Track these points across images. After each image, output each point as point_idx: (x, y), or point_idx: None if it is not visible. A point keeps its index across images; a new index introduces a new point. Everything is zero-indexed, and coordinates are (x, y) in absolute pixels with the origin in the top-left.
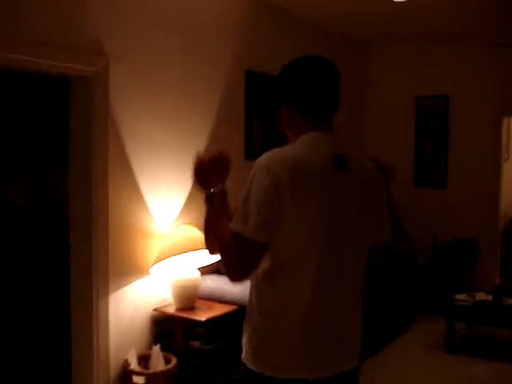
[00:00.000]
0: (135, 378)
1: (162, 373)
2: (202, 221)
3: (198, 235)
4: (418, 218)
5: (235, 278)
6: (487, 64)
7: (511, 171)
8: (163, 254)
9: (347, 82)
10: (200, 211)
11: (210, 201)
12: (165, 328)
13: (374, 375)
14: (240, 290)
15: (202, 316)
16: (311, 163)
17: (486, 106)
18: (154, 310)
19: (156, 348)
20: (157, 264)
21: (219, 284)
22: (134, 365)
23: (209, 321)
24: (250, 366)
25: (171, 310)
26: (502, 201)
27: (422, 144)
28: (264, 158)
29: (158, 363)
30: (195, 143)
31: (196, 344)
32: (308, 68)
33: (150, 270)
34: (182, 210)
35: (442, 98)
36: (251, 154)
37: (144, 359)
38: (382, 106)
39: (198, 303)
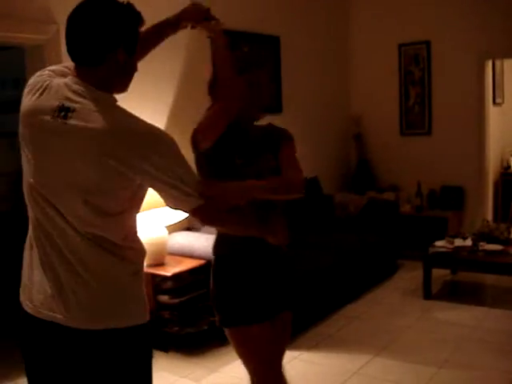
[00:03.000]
0: None
1: None
2: None
3: None
4: (405, 167)
5: None
6: (469, 7)
7: (508, 115)
8: None
9: (328, 31)
10: None
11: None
12: None
13: (348, 321)
14: (208, 245)
15: (169, 271)
16: (33, 111)
17: (469, 50)
18: None
19: None
20: None
21: (188, 240)
22: None
23: (176, 275)
24: None
25: None
26: (499, 145)
27: (406, 92)
28: None
29: None
30: (160, 104)
31: (164, 298)
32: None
33: None
34: None
35: (424, 44)
36: None
37: None
38: (366, 55)
39: (168, 259)
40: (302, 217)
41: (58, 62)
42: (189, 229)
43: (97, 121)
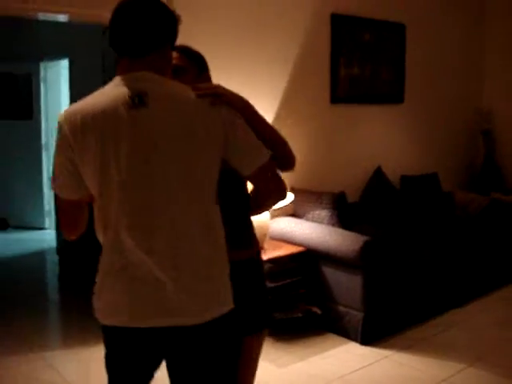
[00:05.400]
0: None
1: None
2: None
3: None
4: None
5: (64, 234)
6: None
7: None
8: None
9: (459, 16)
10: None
11: None
12: None
13: (448, 327)
14: (310, 232)
15: (267, 255)
16: (94, 110)
17: None
18: None
19: None
20: None
21: (290, 226)
22: None
23: (273, 260)
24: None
25: None
26: None
27: None
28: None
29: None
30: (273, 88)
31: None
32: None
33: None
34: None
35: None
36: (337, 98)
37: None
38: (505, 40)
39: (269, 243)
40: (418, 213)
41: None
42: (293, 215)
43: (181, 97)
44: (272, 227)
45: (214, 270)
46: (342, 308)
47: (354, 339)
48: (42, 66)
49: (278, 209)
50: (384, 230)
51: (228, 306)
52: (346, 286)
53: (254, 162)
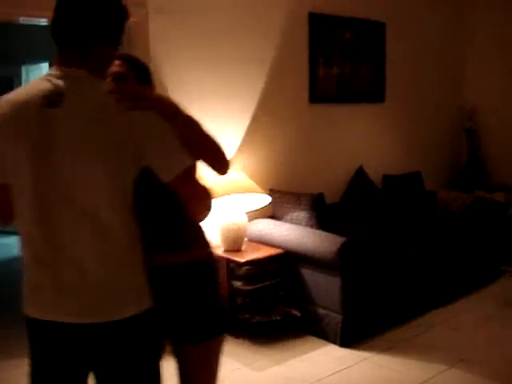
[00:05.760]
0: None
1: None
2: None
3: (246, 180)
4: None
5: None
6: None
7: None
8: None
9: (440, 14)
10: (250, 159)
11: None
12: None
13: (430, 327)
14: (288, 234)
15: (244, 257)
16: (17, 102)
17: None
18: None
19: None
20: None
21: (269, 228)
22: None
23: (251, 262)
24: None
25: (218, 251)
26: None
27: None
28: None
29: None
30: (249, 89)
31: (238, 284)
32: None
33: None
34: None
35: None
36: (316, 98)
37: None
38: (486, 39)
39: (248, 246)
40: (400, 212)
41: (146, 44)
42: (272, 217)
43: (101, 100)
44: (250, 229)
45: (121, 270)
46: (321, 310)
47: (333, 341)
48: (23, 69)
49: (256, 210)
50: (365, 231)
51: (138, 306)
52: (324, 287)
53: (172, 169)
